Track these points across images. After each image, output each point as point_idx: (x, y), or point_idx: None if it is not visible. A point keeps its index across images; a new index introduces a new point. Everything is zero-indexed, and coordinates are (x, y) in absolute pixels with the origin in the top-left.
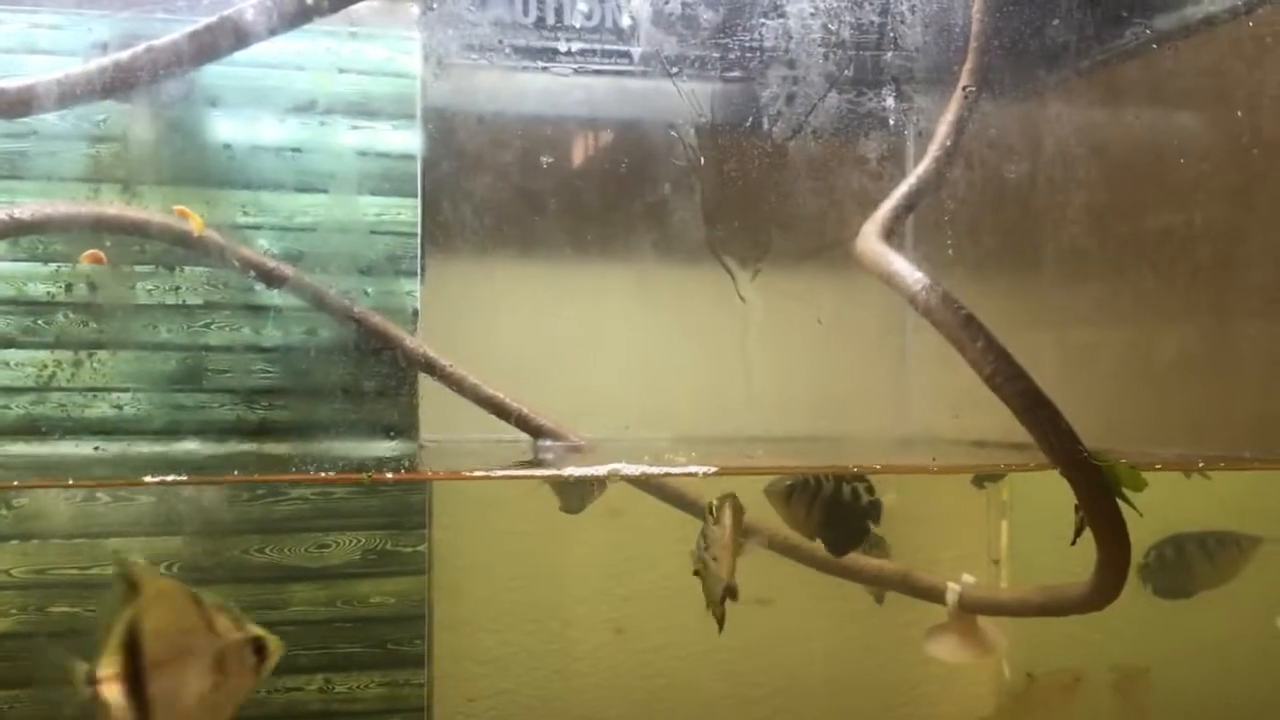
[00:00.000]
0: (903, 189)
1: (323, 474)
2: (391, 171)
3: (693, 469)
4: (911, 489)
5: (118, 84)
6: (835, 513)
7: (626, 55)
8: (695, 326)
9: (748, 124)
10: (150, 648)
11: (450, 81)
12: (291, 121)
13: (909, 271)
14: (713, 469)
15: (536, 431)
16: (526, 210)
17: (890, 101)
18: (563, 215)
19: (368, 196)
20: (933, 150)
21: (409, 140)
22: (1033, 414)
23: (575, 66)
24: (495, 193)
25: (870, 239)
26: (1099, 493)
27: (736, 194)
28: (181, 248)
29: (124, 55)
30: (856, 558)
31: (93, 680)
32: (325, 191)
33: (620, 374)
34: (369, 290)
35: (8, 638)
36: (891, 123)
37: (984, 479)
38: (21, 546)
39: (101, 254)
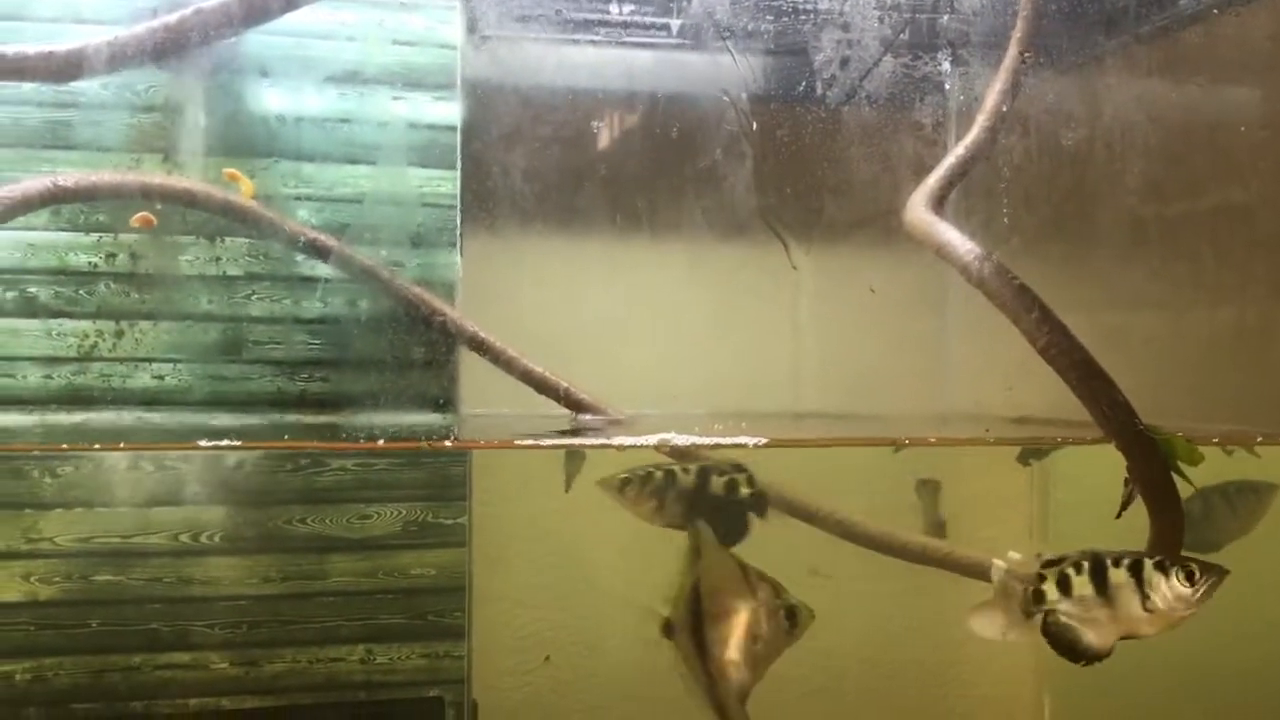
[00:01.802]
0: (951, 158)
1: (380, 442)
2: (431, 143)
3: (743, 440)
4: (951, 466)
5: (168, 46)
6: (706, 505)
7: (670, 27)
8: (735, 301)
9: (800, 90)
10: (708, 605)
11: (490, 52)
12: (334, 92)
13: (961, 241)
14: (763, 440)
15: (576, 406)
16: (566, 183)
17: (946, 66)
18: (603, 188)
19: (408, 168)
20: (981, 119)
21: (449, 111)
22: (1088, 386)
23: (619, 38)
24: (535, 165)
25: (919, 208)
26: (1154, 466)
27: (789, 161)
28: (233, 220)
29: (173, 17)
30: (900, 534)
31: (668, 627)
32: (367, 163)
33: (658, 349)
34: (410, 263)
35: (53, 605)
36: (947, 88)
37: (1030, 455)
38: (66, 515)
39: (152, 216)
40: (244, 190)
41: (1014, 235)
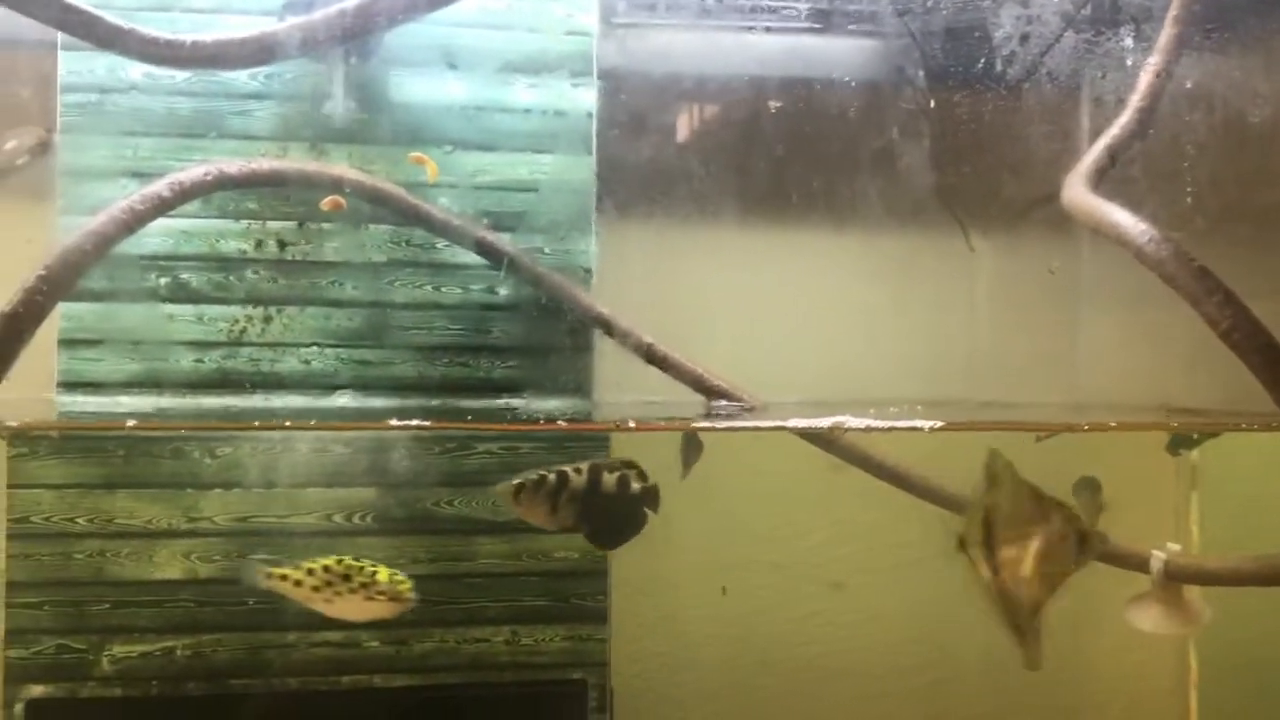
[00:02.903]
0: (1106, 138)
1: (562, 422)
2: (568, 129)
3: (917, 423)
4: (1094, 456)
5: (356, 29)
6: (598, 504)
7: (826, 12)
8: (877, 288)
9: (979, 67)
10: (1000, 527)
11: (628, 39)
12: (472, 79)
13: (1133, 223)
14: (938, 423)
15: (710, 392)
16: (701, 171)
17: (1128, 41)
18: (739, 177)
19: (545, 155)
20: (1135, 99)
21: (586, 98)
22: (1273, 371)
23: (767, 24)
24: (669, 152)
25: (1077, 189)
26: None
27: (968, 141)
28: (386, 207)
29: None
30: None
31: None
32: (506, 150)
33: (792, 337)
34: (547, 249)
35: (212, 583)
36: (1129, 64)
37: (1180, 445)
38: (224, 495)
39: (341, 200)
40: (430, 173)
41: (1197, 216)
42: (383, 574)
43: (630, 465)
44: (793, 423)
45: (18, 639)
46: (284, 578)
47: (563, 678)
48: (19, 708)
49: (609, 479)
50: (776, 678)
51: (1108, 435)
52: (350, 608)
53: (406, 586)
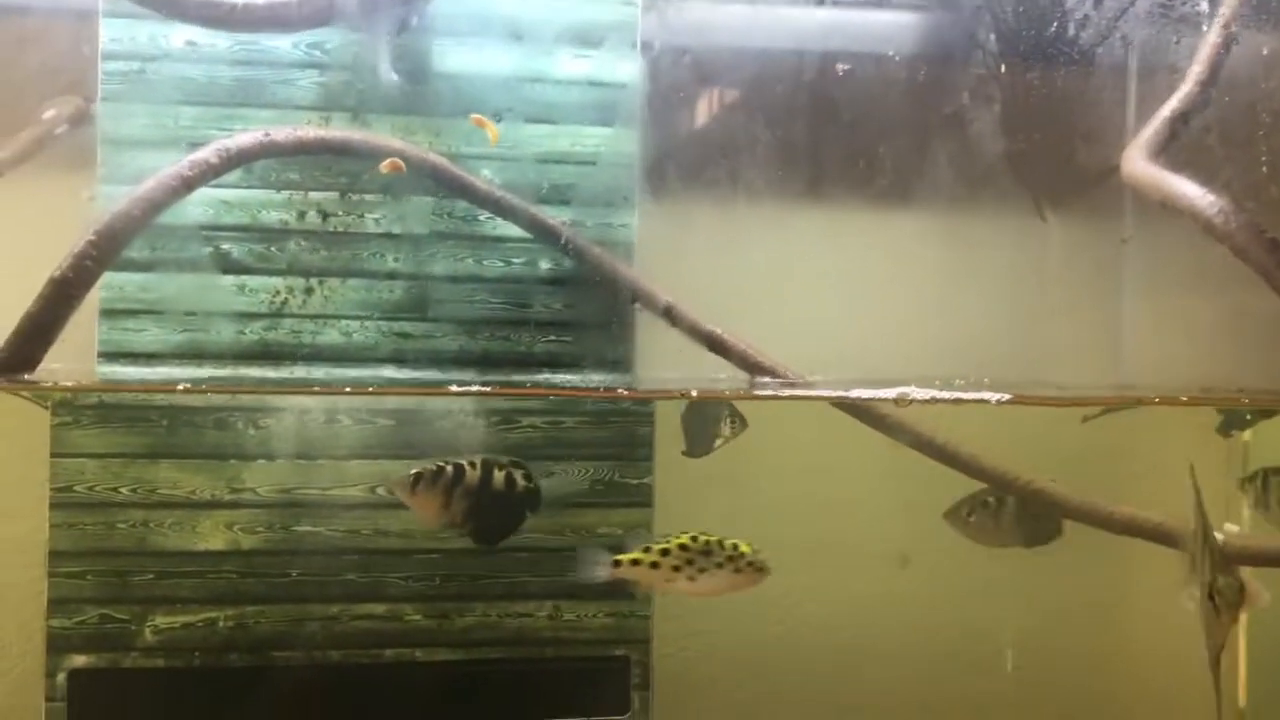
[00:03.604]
0: (1166, 110)
1: (623, 390)
2: (611, 101)
3: (985, 395)
4: (1141, 437)
5: None
6: (485, 501)
7: None
8: (914, 267)
9: (1051, 31)
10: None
11: (673, 10)
12: (517, 50)
13: (1201, 195)
14: (1006, 396)
15: (754, 369)
16: (746, 147)
17: (1203, 6)
18: (784, 154)
19: (588, 127)
20: (1196, 69)
21: (630, 70)
22: None
23: None
24: (714, 126)
25: (1139, 160)
26: None
27: (1040, 106)
28: (433, 179)
29: None
30: (1103, 505)
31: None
32: (549, 122)
33: (835, 314)
34: (589, 222)
35: (255, 554)
36: (1204, 29)
37: (1231, 426)
38: (268, 466)
39: (401, 163)
40: (491, 136)
41: (1271, 186)
42: (744, 547)
43: (517, 465)
44: (855, 393)
45: (60, 608)
46: (636, 563)
47: (605, 654)
48: (61, 677)
49: (499, 476)
50: (820, 659)
51: (1153, 415)
52: (716, 583)
53: (766, 557)
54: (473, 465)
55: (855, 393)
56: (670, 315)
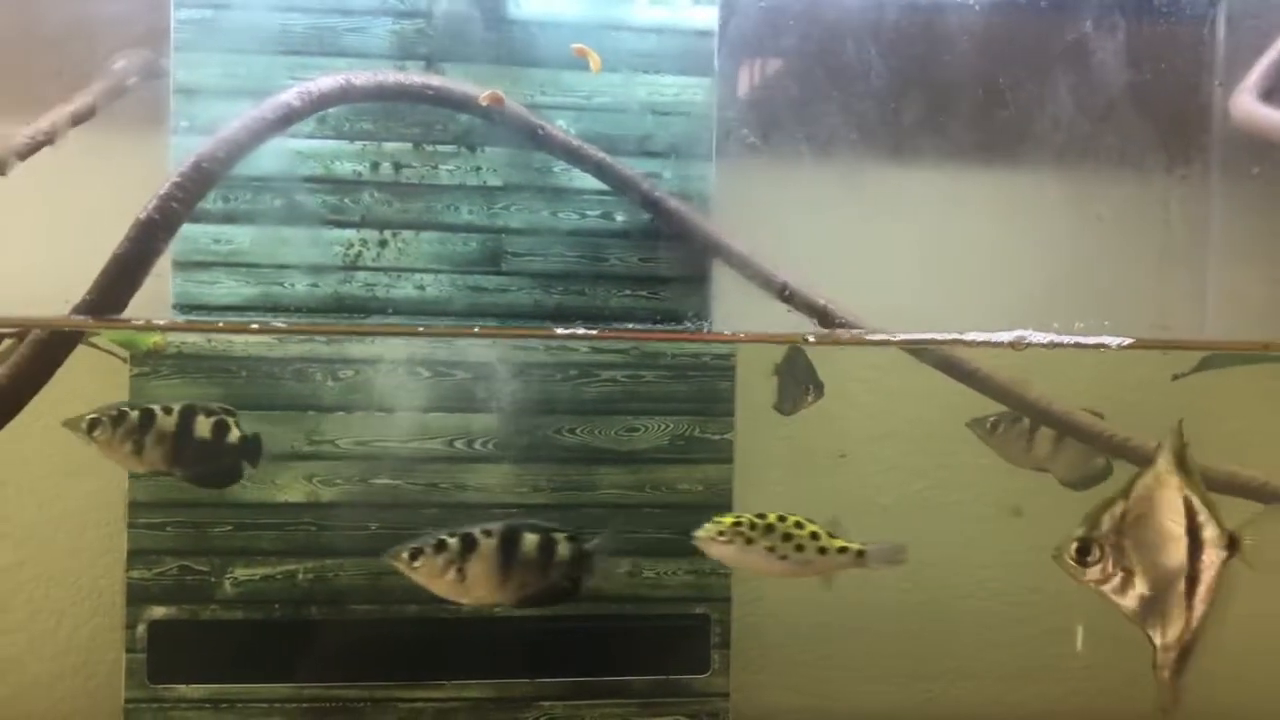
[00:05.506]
0: (1276, 51)
1: (728, 332)
2: (688, 50)
3: (1105, 339)
4: (1222, 398)
5: None
6: (191, 449)
7: None
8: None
9: None
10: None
11: None
12: None
13: None
14: (1127, 340)
15: (832, 325)
16: (826, 98)
17: None
18: (865, 108)
19: (665, 76)
20: None
21: (707, 17)
22: None
23: None
24: (794, 77)
25: (1248, 101)
26: None
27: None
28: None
29: None
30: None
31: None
32: (625, 70)
33: (911, 272)
34: (665, 173)
35: (334, 507)
36: None
37: None
38: (347, 418)
39: (501, 94)
40: (593, 65)
41: None
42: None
43: (229, 412)
44: (970, 336)
45: (140, 560)
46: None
47: (685, 612)
48: (141, 629)
49: (204, 423)
50: (897, 619)
51: (1240, 377)
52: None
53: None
54: (167, 411)
55: (971, 336)
56: (786, 295)
